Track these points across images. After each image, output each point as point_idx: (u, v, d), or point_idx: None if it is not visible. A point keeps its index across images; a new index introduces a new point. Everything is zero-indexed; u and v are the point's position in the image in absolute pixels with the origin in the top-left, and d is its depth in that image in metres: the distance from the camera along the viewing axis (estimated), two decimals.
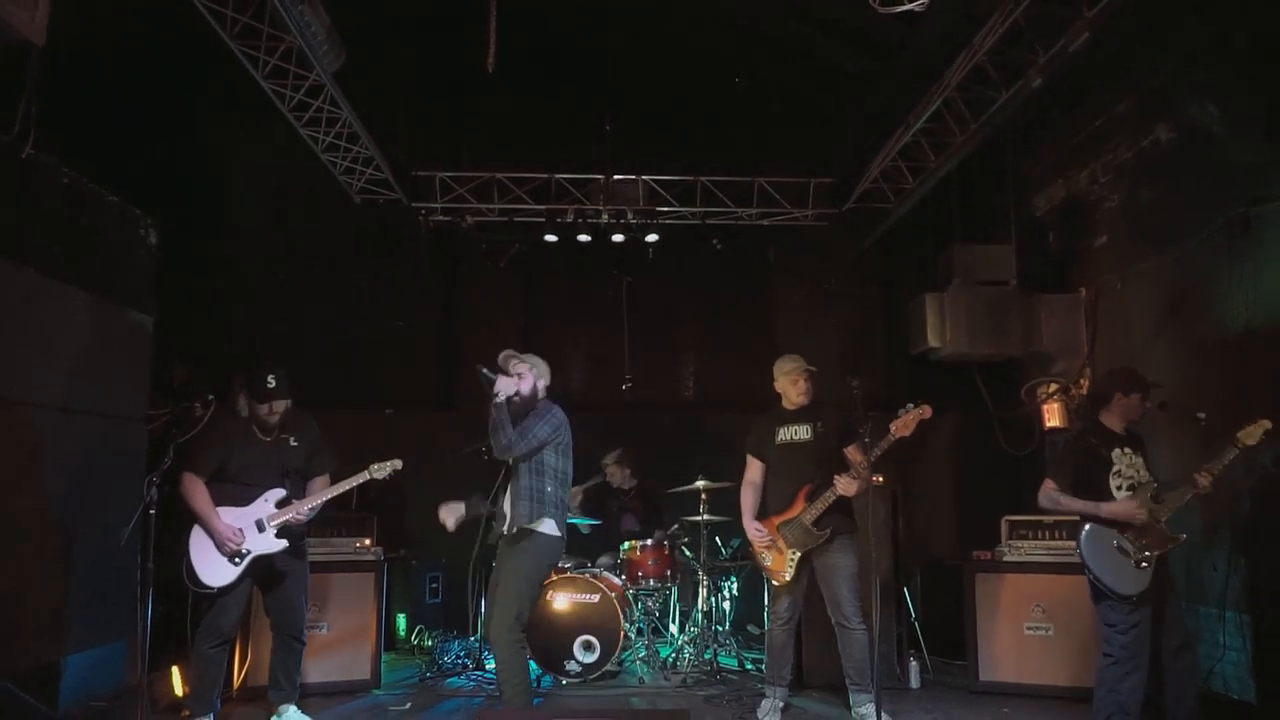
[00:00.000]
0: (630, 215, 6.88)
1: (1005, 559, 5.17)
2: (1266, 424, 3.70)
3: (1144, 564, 3.82)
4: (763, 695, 4.72)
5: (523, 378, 4.15)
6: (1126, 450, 4.03)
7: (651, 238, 6.97)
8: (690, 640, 5.78)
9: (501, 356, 4.21)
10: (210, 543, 4.13)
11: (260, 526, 4.21)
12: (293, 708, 4.41)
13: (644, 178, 7.00)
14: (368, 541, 5.40)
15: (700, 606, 5.71)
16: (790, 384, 4.69)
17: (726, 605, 5.94)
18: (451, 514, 4.28)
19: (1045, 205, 6.69)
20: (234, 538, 4.12)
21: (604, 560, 6.00)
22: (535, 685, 5.27)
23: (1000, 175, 6.88)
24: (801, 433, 4.64)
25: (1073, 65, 4.55)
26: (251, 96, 5.23)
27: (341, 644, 5.18)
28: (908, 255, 7.17)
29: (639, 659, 5.66)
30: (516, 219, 7.09)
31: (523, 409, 4.11)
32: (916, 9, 4.11)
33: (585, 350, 7.70)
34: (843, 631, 4.46)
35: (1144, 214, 5.55)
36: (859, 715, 4.47)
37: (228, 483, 4.24)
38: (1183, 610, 4.06)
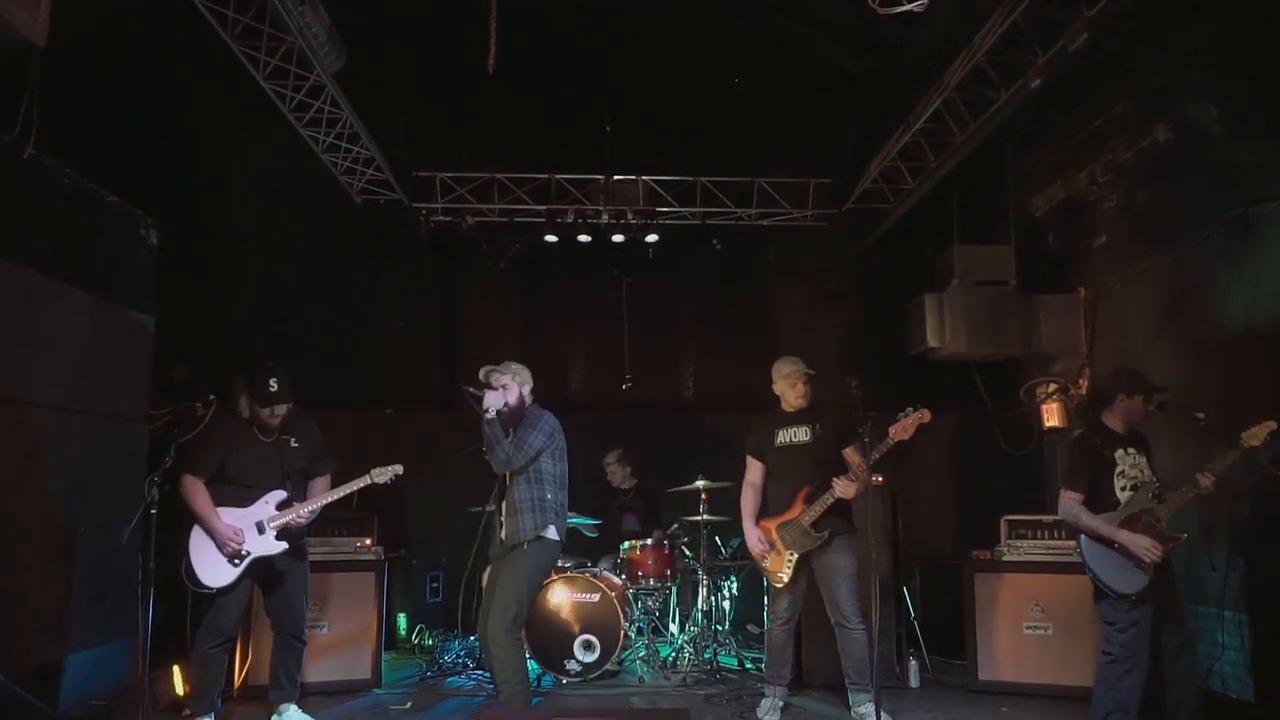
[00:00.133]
0: (630, 215, 6.89)
1: (1004, 558, 5.18)
2: (1272, 425, 3.69)
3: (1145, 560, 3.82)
4: (762, 694, 4.73)
5: (507, 389, 4.20)
6: (1130, 450, 4.03)
7: (651, 238, 6.98)
8: (690, 640, 5.78)
9: (482, 372, 4.25)
10: (210, 543, 4.14)
11: (260, 528, 4.22)
12: (293, 707, 4.41)
13: (644, 178, 7.00)
14: (368, 541, 5.41)
15: (700, 606, 5.72)
16: (789, 387, 4.70)
17: (726, 605, 5.95)
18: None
19: (1044, 205, 6.70)
20: (234, 538, 4.13)
21: (604, 560, 6.01)
22: (535, 685, 5.28)
23: (999, 175, 6.88)
24: (800, 435, 4.65)
25: (1072, 65, 4.55)
26: (252, 97, 5.23)
27: (342, 643, 5.19)
28: (907, 255, 7.16)
29: (639, 658, 5.67)
30: (517, 219, 7.10)
31: (512, 418, 4.18)
32: (916, 9, 4.12)
33: (585, 350, 7.70)
34: (842, 631, 4.47)
35: (1143, 214, 5.56)
36: (858, 714, 4.47)
37: (228, 484, 4.24)
38: (1184, 610, 4.06)
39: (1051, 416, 6.25)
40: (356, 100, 5.61)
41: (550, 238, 7.00)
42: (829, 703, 4.92)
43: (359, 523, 5.47)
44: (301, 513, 4.26)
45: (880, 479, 4.94)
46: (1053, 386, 6.26)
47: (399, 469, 4.34)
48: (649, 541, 5.79)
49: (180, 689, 4.65)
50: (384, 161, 6.35)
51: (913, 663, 5.35)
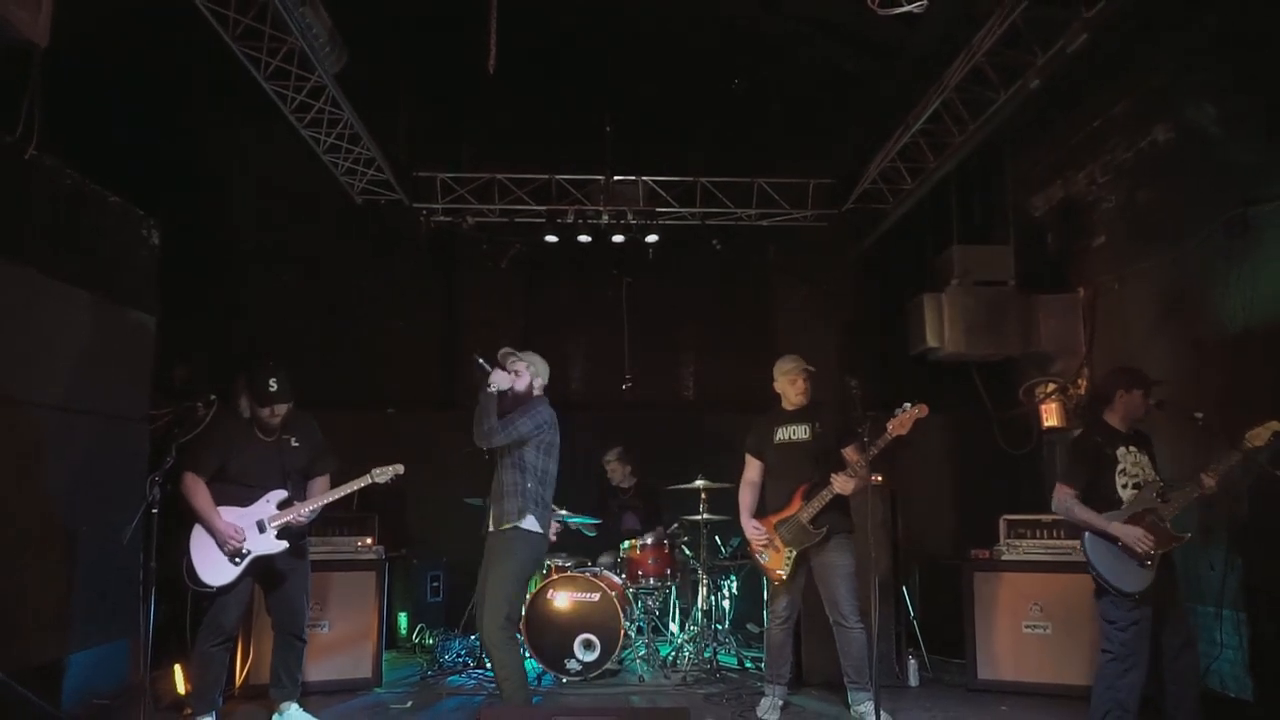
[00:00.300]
0: (630, 216, 6.89)
1: (1003, 558, 5.19)
2: (1275, 426, 3.69)
3: (1147, 562, 3.83)
4: (762, 693, 4.74)
5: (519, 375, 4.22)
6: (1131, 449, 4.03)
7: (651, 238, 6.99)
8: (690, 639, 5.80)
9: (501, 353, 4.26)
10: (211, 542, 4.15)
11: (261, 527, 4.23)
12: (294, 706, 4.42)
13: (644, 178, 7.01)
14: (369, 540, 5.42)
15: (700, 605, 5.73)
16: (789, 384, 4.71)
17: (726, 604, 5.96)
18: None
19: (1044, 206, 6.71)
20: (235, 536, 4.14)
21: (604, 559, 6.02)
22: (536, 684, 5.29)
23: (999, 176, 6.89)
24: (800, 433, 4.66)
25: (1071, 66, 4.56)
26: (253, 97, 5.24)
27: (343, 642, 5.20)
28: (907, 256, 7.17)
29: (639, 657, 5.68)
30: (517, 219, 7.10)
31: (514, 404, 4.17)
32: (916, 10, 4.12)
33: (585, 350, 7.71)
34: (840, 630, 4.48)
35: (1142, 214, 5.57)
36: (858, 713, 4.48)
37: (229, 483, 4.25)
38: (1185, 610, 4.07)
39: (1050, 416, 6.26)
40: (357, 101, 5.62)
41: (550, 238, 7.00)
42: (828, 701, 4.93)
43: (360, 522, 5.48)
44: (302, 512, 4.27)
45: (880, 478, 4.95)
46: (1051, 386, 6.27)
47: (400, 468, 4.34)
48: (649, 541, 5.80)
49: (181, 688, 4.66)
50: (384, 162, 6.36)
51: (912, 661, 5.36)
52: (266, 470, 4.31)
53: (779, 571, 4.56)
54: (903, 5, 4.12)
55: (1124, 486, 3.97)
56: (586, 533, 6.12)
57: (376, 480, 4.31)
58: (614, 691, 5.29)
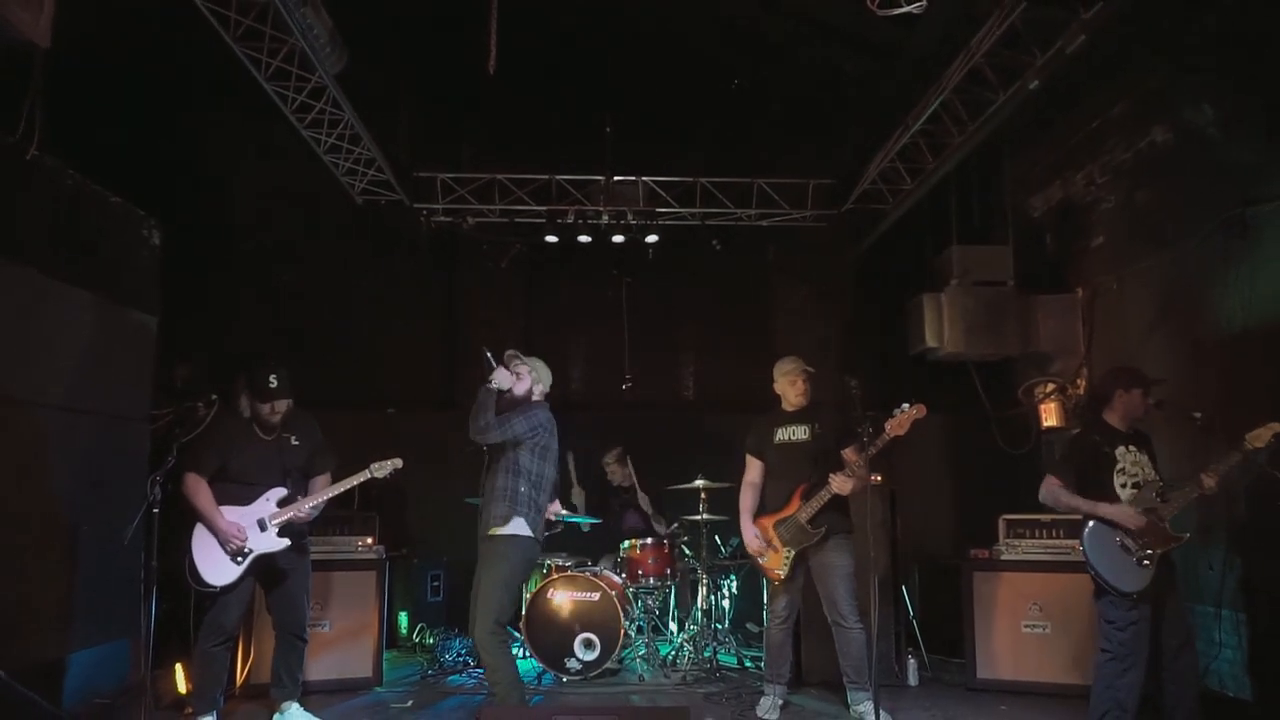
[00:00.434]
0: (630, 216, 6.90)
1: (1002, 557, 5.20)
2: (1276, 426, 3.69)
3: (1146, 562, 3.84)
4: (762, 693, 4.75)
5: (520, 378, 4.23)
6: (1131, 448, 4.03)
7: (651, 238, 6.99)
8: (690, 638, 5.81)
9: (507, 354, 4.29)
10: (213, 541, 4.16)
11: (262, 525, 4.24)
12: (295, 705, 4.43)
13: (644, 179, 7.02)
14: (370, 540, 5.43)
15: (700, 605, 5.75)
16: (789, 385, 4.72)
17: (726, 603, 5.97)
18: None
19: (1042, 206, 6.72)
20: (237, 535, 4.15)
21: (604, 559, 6.03)
22: (536, 683, 5.30)
23: (998, 176, 6.90)
24: (799, 433, 4.67)
25: (1069, 67, 4.57)
26: (254, 98, 5.24)
27: (343, 642, 5.21)
28: (906, 256, 7.18)
29: (639, 657, 5.69)
30: (517, 220, 7.11)
31: (509, 407, 4.18)
32: (915, 11, 4.13)
33: (585, 350, 7.72)
34: (839, 630, 4.49)
35: (1141, 215, 5.58)
36: (857, 713, 4.50)
37: (230, 482, 4.26)
38: (1184, 609, 4.07)
39: (1049, 416, 6.28)
40: (357, 101, 5.62)
41: (551, 238, 7.01)
42: (828, 701, 4.94)
43: (360, 522, 5.49)
44: (303, 508, 4.29)
45: (879, 478, 4.96)
46: (1050, 386, 6.28)
47: (398, 462, 4.37)
48: (649, 540, 5.81)
49: (182, 687, 4.67)
50: (385, 162, 6.37)
51: (911, 661, 5.37)
52: (266, 468, 4.33)
53: (777, 571, 4.57)
54: (902, 6, 4.13)
55: (1123, 486, 3.97)
56: (583, 528, 6.13)
57: (375, 475, 4.33)
58: (614, 691, 5.30)
